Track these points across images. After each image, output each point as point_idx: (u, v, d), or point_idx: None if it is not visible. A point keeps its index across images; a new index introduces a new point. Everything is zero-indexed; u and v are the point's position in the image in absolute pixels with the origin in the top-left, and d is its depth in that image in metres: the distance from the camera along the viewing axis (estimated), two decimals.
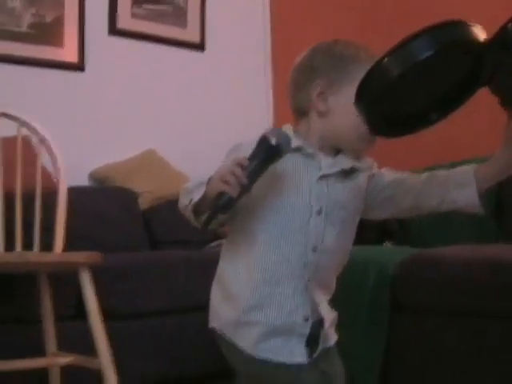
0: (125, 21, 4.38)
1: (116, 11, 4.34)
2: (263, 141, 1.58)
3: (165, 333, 3.20)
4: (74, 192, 3.09)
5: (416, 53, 1.25)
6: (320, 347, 1.73)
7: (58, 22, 4.16)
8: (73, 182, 3.17)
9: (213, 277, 3.30)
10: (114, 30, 4.35)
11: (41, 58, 4.07)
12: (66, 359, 2.67)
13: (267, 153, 1.57)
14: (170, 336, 3.19)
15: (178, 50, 4.54)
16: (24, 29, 4.04)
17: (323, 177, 1.70)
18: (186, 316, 3.24)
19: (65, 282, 2.87)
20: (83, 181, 4.00)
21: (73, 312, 2.92)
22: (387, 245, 3.27)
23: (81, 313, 2.79)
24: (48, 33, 4.13)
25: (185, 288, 3.23)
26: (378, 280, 2.91)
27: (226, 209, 1.53)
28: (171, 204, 3.98)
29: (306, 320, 1.69)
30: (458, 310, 2.71)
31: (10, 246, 2.81)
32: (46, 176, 3.16)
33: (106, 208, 3.75)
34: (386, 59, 1.29)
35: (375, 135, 1.59)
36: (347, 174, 1.73)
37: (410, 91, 1.32)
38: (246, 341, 1.68)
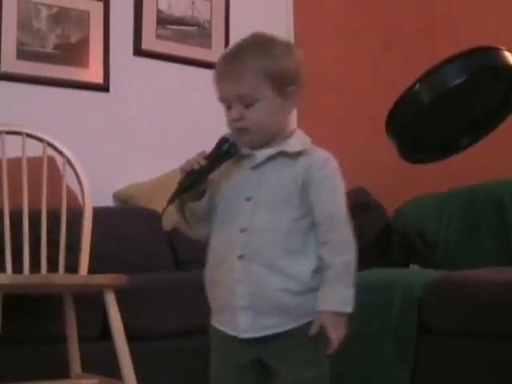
0: (149, 41, 4.39)
1: (141, 32, 4.35)
2: (222, 140, 1.88)
3: (189, 354, 3.18)
4: (98, 212, 3.09)
5: (447, 79, 1.25)
6: (252, 331, 1.80)
7: (83, 42, 4.18)
8: (97, 203, 3.17)
9: None
10: (138, 50, 4.36)
11: (66, 78, 4.09)
12: (90, 381, 2.67)
13: (225, 149, 1.86)
14: (194, 357, 3.18)
15: (203, 70, 4.53)
16: (49, 49, 4.06)
17: (254, 167, 1.86)
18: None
19: (90, 303, 2.87)
20: (107, 201, 4.00)
21: (98, 333, 2.91)
22: (413, 267, 3.25)
23: (105, 333, 2.80)
24: (73, 53, 4.15)
25: (209, 308, 3.21)
26: (404, 302, 2.89)
27: (189, 188, 1.82)
28: None
29: (242, 297, 1.80)
30: (485, 333, 2.68)
31: (35, 265, 2.81)
32: (71, 196, 3.16)
33: (130, 228, 3.75)
34: (417, 85, 1.28)
35: (406, 161, 1.59)
36: (282, 161, 1.85)
37: (441, 117, 1.32)
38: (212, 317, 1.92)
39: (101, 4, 4.23)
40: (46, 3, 4.06)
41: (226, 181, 1.92)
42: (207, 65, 4.54)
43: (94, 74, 4.20)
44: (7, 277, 2.65)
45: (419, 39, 4.31)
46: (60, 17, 4.11)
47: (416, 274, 3.10)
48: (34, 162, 2.96)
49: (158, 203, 4.00)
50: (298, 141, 1.88)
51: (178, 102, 4.45)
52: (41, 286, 2.63)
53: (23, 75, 3.96)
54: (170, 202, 1.83)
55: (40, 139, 2.97)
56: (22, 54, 3.98)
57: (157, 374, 2.98)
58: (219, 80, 1.87)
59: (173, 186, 4.37)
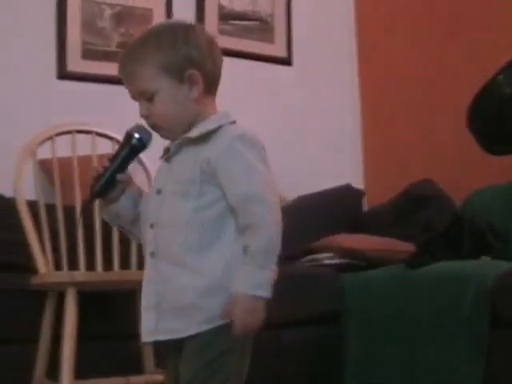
0: None
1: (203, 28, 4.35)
2: (127, 137, 1.82)
3: (262, 348, 3.19)
4: None
5: None
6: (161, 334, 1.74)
7: None
8: None
9: (306, 291, 3.32)
10: None
11: None
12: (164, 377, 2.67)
13: (131, 146, 1.81)
14: (266, 351, 3.19)
15: (266, 65, 4.54)
16: (114, 48, 4.10)
17: (167, 159, 1.81)
18: (280, 331, 3.24)
19: None
20: None
21: None
22: (485, 259, 3.20)
23: None
24: None
25: (280, 304, 3.22)
26: (476, 294, 2.86)
27: (97, 195, 1.82)
28: None
29: (147, 297, 1.76)
30: None
31: (107, 264, 2.85)
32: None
33: None
34: (500, 76, 1.26)
35: (488, 153, 1.56)
36: (186, 149, 1.79)
37: None
38: None
39: (163, 1, 4.25)
40: (109, 3, 4.10)
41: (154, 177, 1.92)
42: (270, 59, 4.56)
43: None
44: (83, 274, 2.68)
45: (484, 28, 4.24)
46: (123, 15, 4.14)
47: (488, 266, 3.06)
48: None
49: None
50: (208, 124, 1.79)
51: (241, 96, 4.44)
52: (115, 283, 2.67)
53: (89, 74, 4.01)
54: (82, 211, 1.85)
55: (109, 137, 3.01)
56: (87, 53, 4.03)
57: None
58: (123, 80, 1.84)
59: None
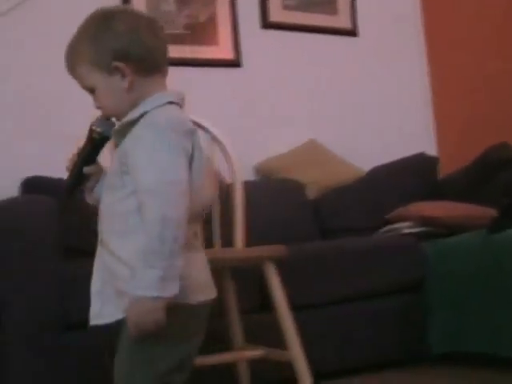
0: (276, 13, 4.39)
1: (267, 4, 4.36)
2: (89, 131, 1.79)
3: (340, 322, 3.21)
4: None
5: None
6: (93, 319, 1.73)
7: (211, 20, 4.21)
8: None
9: (388, 261, 3.31)
10: (266, 23, 4.36)
11: (197, 57, 4.14)
12: (254, 352, 2.70)
13: (92, 140, 1.79)
14: (353, 321, 3.21)
15: (331, 37, 4.52)
16: (179, 30, 4.12)
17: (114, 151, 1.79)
18: (366, 301, 3.27)
19: (247, 276, 2.92)
20: (248, 175, 4.03)
21: (257, 305, 2.96)
22: None
23: (264, 306, 2.84)
24: (202, 32, 4.19)
25: (359, 275, 3.24)
26: None
27: (69, 191, 1.86)
28: (338, 192, 4.03)
29: (95, 283, 1.75)
30: None
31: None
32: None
33: (274, 200, 3.79)
34: None
35: None
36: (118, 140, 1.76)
37: None
38: None
39: None
40: None
41: None
42: (334, 31, 4.54)
43: (224, 51, 4.23)
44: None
45: None
46: None
47: None
48: None
49: (299, 173, 4.03)
50: (133, 113, 1.72)
51: (308, 70, 4.44)
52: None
53: None
54: (62, 207, 1.86)
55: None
56: None
57: (311, 343, 2.97)
58: None
59: (311, 156, 4.39)
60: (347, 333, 3.21)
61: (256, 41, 4.32)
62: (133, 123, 1.70)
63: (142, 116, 1.69)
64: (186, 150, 1.66)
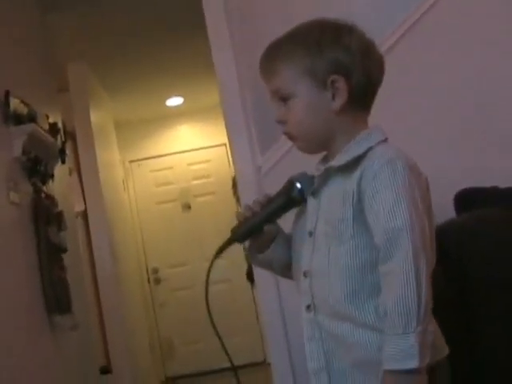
0: None
1: None
2: (288, 185, 1.61)
3: None
4: None
5: None
6: None
7: None
8: None
9: None
10: None
11: None
12: None
13: (289, 197, 1.60)
14: None
15: None
16: None
17: (314, 192, 1.60)
18: None
19: None
20: None
21: None
22: None
23: None
24: None
25: None
26: None
27: (238, 241, 1.64)
28: None
29: (313, 358, 1.56)
30: None
31: None
32: None
33: None
34: None
35: None
36: (333, 180, 1.57)
37: None
38: None
39: None
40: None
41: (297, 213, 1.69)
42: None
43: None
44: None
45: None
46: None
47: None
48: None
49: None
50: (355, 148, 1.54)
51: None
52: None
53: None
54: (217, 254, 1.59)
55: None
56: None
57: None
58: (261, 75, 1.67)
59: None
60: None
61: None
62: (356, 160, 1.52)
63: (364, 153, 1.52)
64: (423, 190, 1.50)
